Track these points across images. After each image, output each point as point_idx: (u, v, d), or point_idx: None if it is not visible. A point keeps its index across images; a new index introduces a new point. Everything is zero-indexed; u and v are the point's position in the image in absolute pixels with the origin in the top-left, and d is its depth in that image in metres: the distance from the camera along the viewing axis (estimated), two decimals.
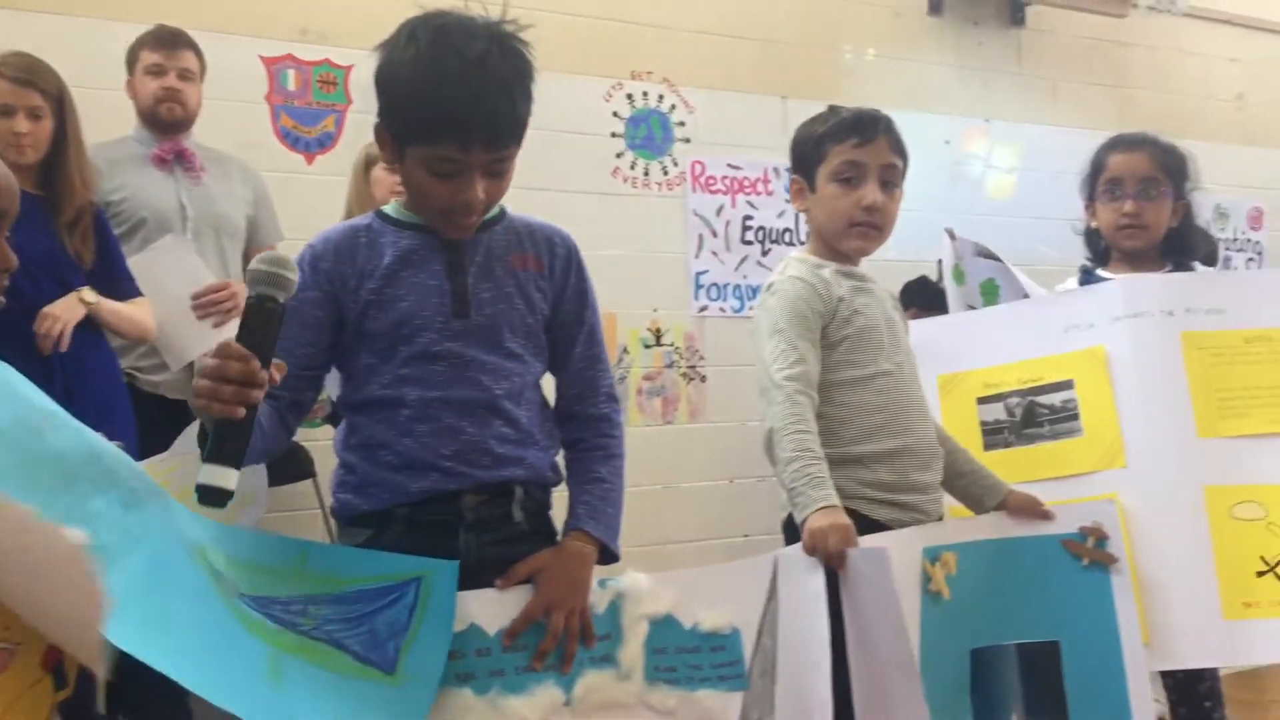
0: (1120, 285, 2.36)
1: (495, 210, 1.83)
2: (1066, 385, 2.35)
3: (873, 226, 2.11)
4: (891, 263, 5.54)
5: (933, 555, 1.93)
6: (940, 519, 2.12)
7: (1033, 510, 2.09)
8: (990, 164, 6.25)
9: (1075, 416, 2.33)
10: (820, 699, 1.70)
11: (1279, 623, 2.15)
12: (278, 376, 1.47)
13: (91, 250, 3.09)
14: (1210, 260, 2.68)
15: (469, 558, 1.73)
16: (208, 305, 3.44)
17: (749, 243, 5.54)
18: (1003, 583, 2.01)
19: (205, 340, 3.47)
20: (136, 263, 3.39)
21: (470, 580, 1.72)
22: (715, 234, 5.46)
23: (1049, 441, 2.35)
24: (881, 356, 2.08)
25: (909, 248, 5.90)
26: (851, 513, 1.96)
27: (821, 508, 1.84)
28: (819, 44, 5.77)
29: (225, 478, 1.39)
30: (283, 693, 1.41)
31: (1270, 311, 2.33)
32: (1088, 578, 2.05)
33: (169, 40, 3.62)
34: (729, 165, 5.44)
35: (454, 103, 1.62)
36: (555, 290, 1.86)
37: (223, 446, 1.40)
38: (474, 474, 1.73)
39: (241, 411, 1.40)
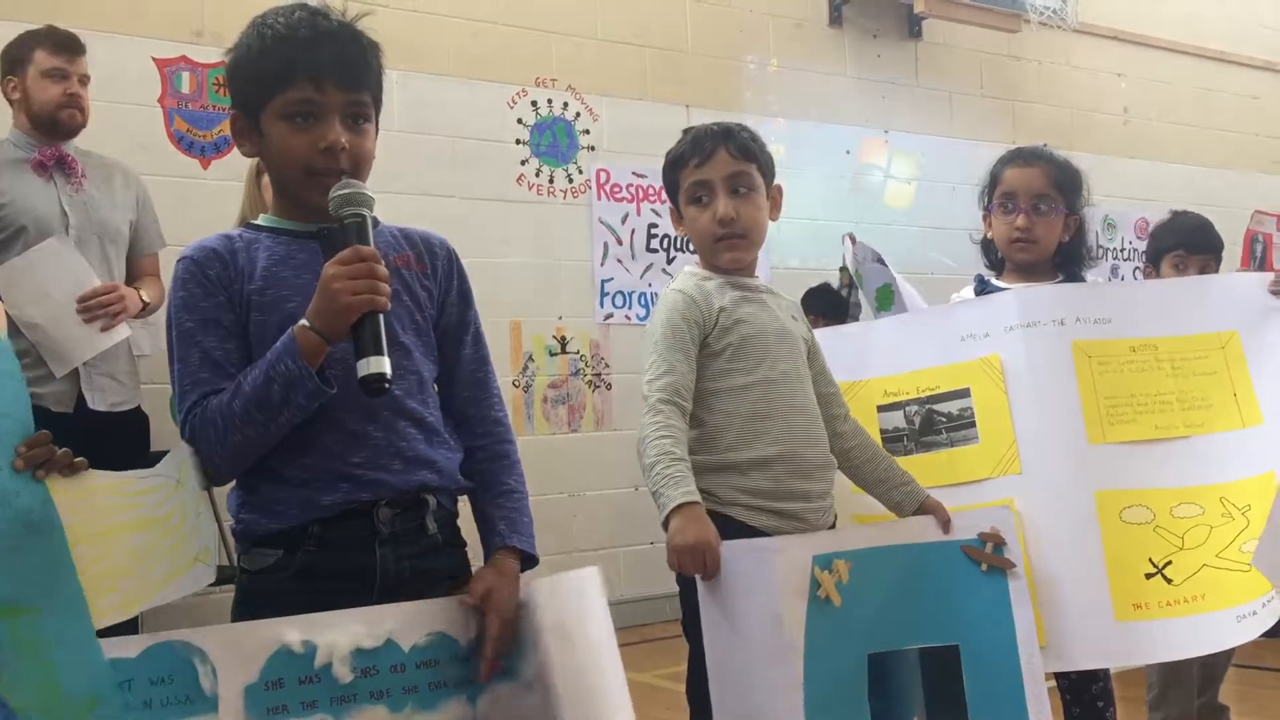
0: (1014, 296, 2.40)
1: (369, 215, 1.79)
2: (963, 394, 2.38)
3: (735, 236, 2.13)
4: (795, 270, 5.63)
5: (824, 563, 1.95)
6: (831, 528, 2.14)
7: (943, 518, 2.13)
8: (889, 174, 6.37)
9: (972, 424, 2.36)
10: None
11: (1167, 622, 2.21)
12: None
13: None
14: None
15: (387, 573, 1.70)
16: (95, 308, 3.34)
17: (654, 251, 5.56)
18: (903, 588, 2.04)
19: (93, 344, 3.36)
20: (17, 265, 3.27)
21: (388, 596, 1.69)
22: (620, 242, 5.48)
23: (946, 449, 2.38)
24: (765, 365, 2.09)
25: (811, 256, 6.01)
26: (728, 519, 1.98)
27: (679, 505, 1.87)
28: (722, 54, 5.82)
29: (382, 364, 1.55)
30: None
31: (1154, 322, 2.39)
32: (986, 583, 2.09)
33: (70, 44, 3.49)
34: (634, 173, 5.46)
35: (305, 43, 1.67)
36: (440, 292, 1.84)
37: (368, 337, 1.56)
38: (386, 480, 1.70)
39: (384, 300, 1.57)
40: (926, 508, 2.15)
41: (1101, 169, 6.90)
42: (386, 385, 1.56)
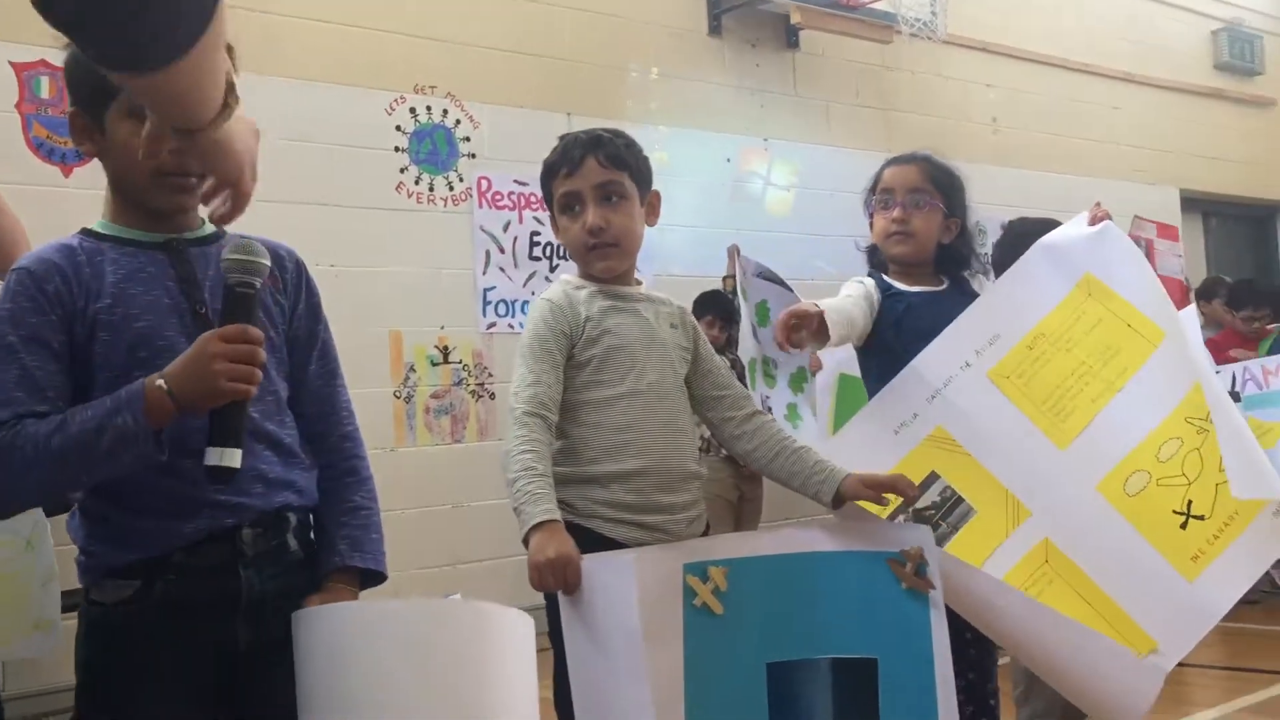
0: (910, 371, 2.37)
1: (212, 230, 1.72)
2: (933, 479, 2.35)
3: (606, 245, 2.11)
4: (678, 278, 5.64)
5: (698, 571, 1.93)
6: (704, 535, 2.12)
7: (866, 493, 2.08)
8: (769, 181, 6.44)
9: (960, 500, 2.34)
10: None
11: (1225, 554, 2.26)
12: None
13: None
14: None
15: (252, 593, 1.64)
16: None
17: (537, 259, 5.53)
18: (808, 597, 2.01)
19: None
20: None
21: (254, 615, 1.63)
22: (503, 250, 5.43)
23: (954, 534, 2.34)
24: (631, 376, 2.07)
25: (693, 264, 6.04)
26: (587, 531, 1.97)
27: (536, 524, 1.86)
28: (603, 62, 5.82)
29: (233, 457, 1.51)
30: None
31: (1026, 311, 2.44)
32: (909, 598, 2.06)
33: None
34: (515, 181, 5.43)
35: None
36: (290, 305, 1.78)
37: (230, 427, 1.52)
38: (248, 503, 1.64)
39: (255, 390, 1.52)
40: (846, 488, 2.09)
41: (972, 177, 7.10)
42: (232, 479, 1.53)
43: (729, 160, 6.27)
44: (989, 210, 7.07)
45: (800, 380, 4.92)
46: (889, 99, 6.97)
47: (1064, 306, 2.41)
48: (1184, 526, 2.28)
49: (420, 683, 1.52)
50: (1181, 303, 4.58)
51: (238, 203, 1.50)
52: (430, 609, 1.73)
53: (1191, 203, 8.69)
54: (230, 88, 1.27)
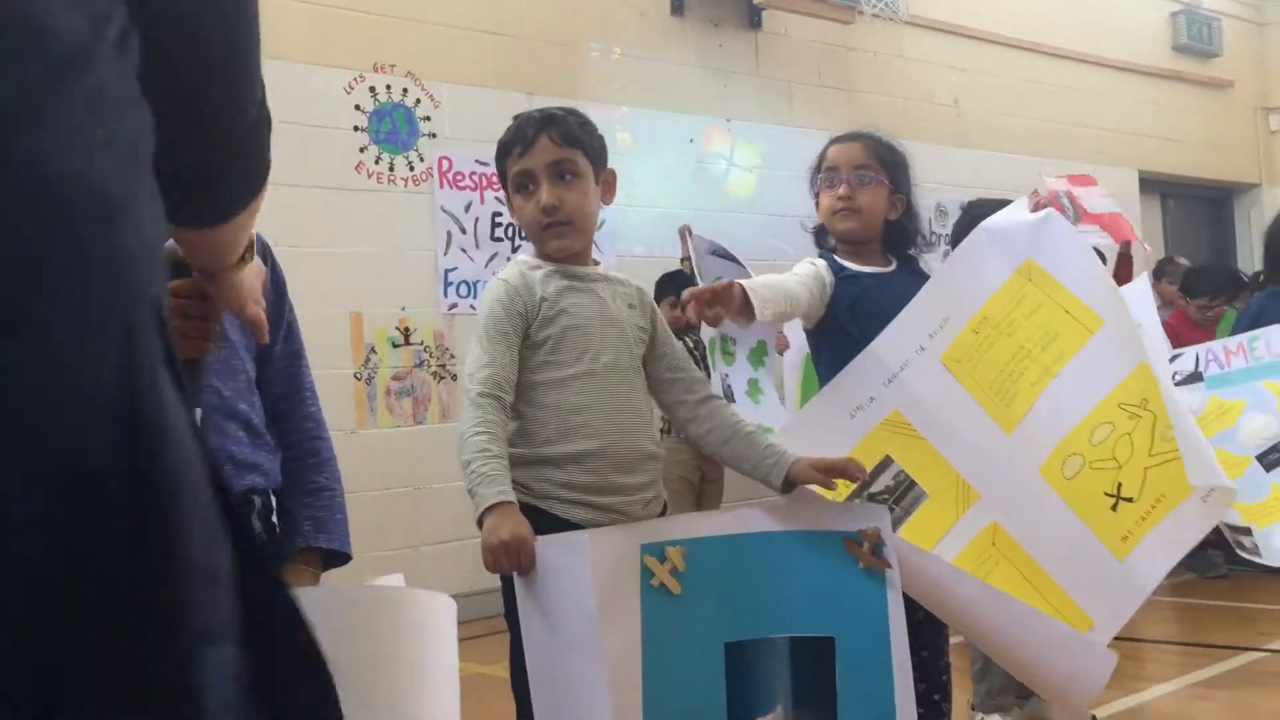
0: (869, 352, 2.37)
1: None
2: (887, 463, 2.37)
3: (560, 224, 2.10)
4: (640, 258, 5.64)
5: (655, 551, 1.93)
6: (661, 516, 2.12)
7: (816, 476, 2.08)
8: (732, 162, 6.44)
9: (913, 484, 2.37)
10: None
11: (1151, 535, 2.32)
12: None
13: None
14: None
15: None
16: None
17: (499, 239, 5.50)
18: (766, 576, 2.02)
19: None
20: None
21: None
22: (464, 230, 5.40)
23: (908, 518, 2.36)
24: (587, 357, 2.06)
25: (656, 244, 6.03)
26: (542, 513, 1.96)
27: (490, 506, 1.85)
28: (565, 41, 5.79)
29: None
30: None
31: (971, 295, 2.45)
32: (866, 577, 2.08)
33: None
34: (477, 161, 5.39)
35: None
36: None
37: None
38: None
39: (209, 345, 1.41)
40: (796, 472, 2.09)
41: (934, 157, 7.14)
42: None
43: (692, 141, 6.26)
44: (950, 191, 7.13)
45: (760, 355, 4.93)
46: (851, 80, 6.98)
47: (1005, 291, 2.43)
48: (1115, 508, 2.35)
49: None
50: (1130, 234, 4.64)
51: (255, 328, 1.47)
52: (338, 595, 1.71)
53: (1150, 184, 8.78)
54: (250, 244, 1.31)
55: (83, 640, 0.55)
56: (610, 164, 2.20)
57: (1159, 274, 6.54)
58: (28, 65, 0.57)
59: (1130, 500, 2.34)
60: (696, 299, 2.17)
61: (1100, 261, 2.60)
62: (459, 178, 5.40)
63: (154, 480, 0.59)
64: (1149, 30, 8.83)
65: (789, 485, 2.11)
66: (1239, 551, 3.41)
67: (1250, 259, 8.49)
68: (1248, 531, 3.40)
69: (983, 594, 2.20)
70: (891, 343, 2.38)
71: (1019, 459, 2.35)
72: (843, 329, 2.51)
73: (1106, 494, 2.35)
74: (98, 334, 0.58)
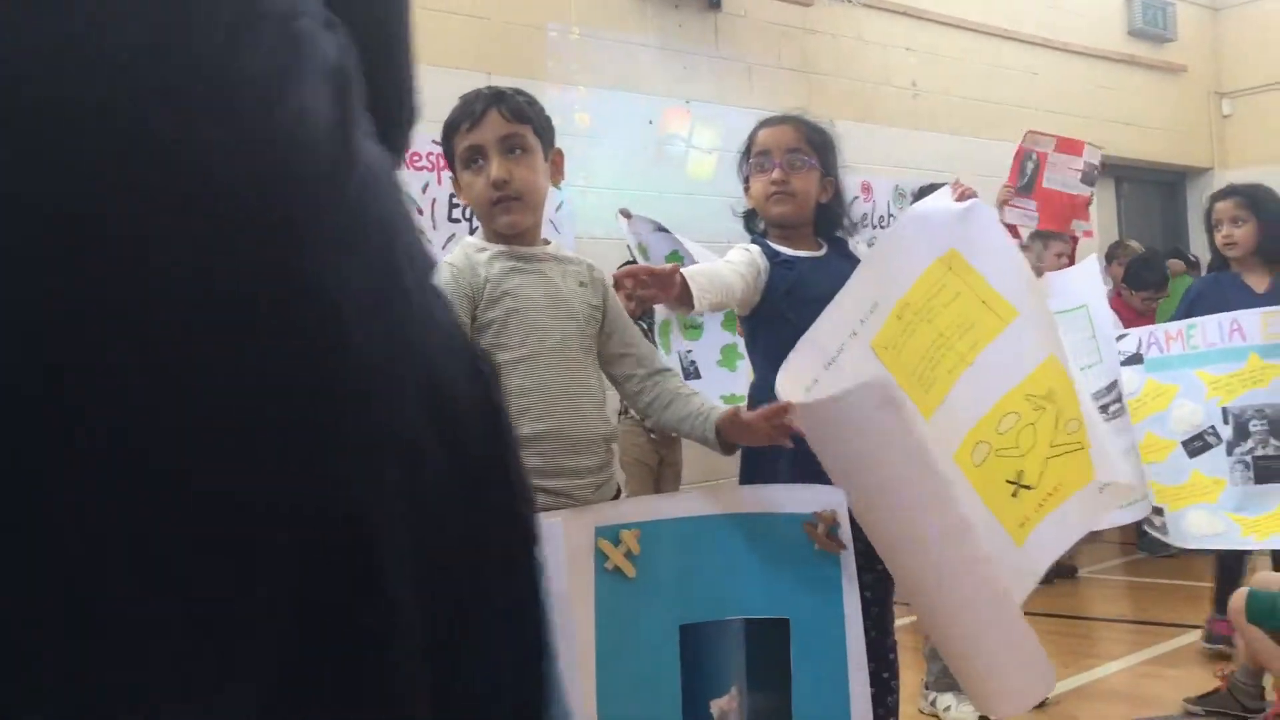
0: (809, 337, 2.36)
1: None
2: None
3: (510, 198, 2.08)
4: (599, 240, 5.61)
5: (609, 534, 1.93)
6: (614, 499, 2.12)
7: (740, 422, 2.09)
8: (691, 144, 6.42)
9: None
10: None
11: (1046, 521, 2.38)
12: None
13: None
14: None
15: None
16: None
17: (456, 220, 5.46)
18: (720, 559, 2.03)
19: None
20: None
21: None
22: (421, 212, 5.36)
23: None
24: (534, 338, 2.04)
25: (615, 227, 5.99)
26: None
27: None
28: (524, 21, 5.75)
29: None
30: None
31: (896, 280, 2.46)
32: (821, 559, 2.10)
33: None
34: (434, 142, 5.29)
35: None
36: None
37: None
38: None
39: None
40: (722, 423, 2.10)
41: (891, 139, 7.17)
42: None
43: (650, 122, 6.24)
44: (908, 175, 7.16)
45: (734, 319, 4.93)
46: (810, 62, 6.98)
47: (926, 277, 2.45)
48: (1015, 495, 2.40)
49: None
50: (1083, 214, 4.68)
51: None
52: None
53: (1104, 167, 8.85)
54: None
55: None
56: (569, 145, 2.19)
57: (1110, 257, 6.62)
58: (279, 46, 0.67)
59: (1029, 488, 2.40)
60: (633, 277, 2.13)
61: (1020, 254, 2.63)
62: (415, 158, 5.35)
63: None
64: (1104, 14, 8.89)
65: (727, 445, 2.14)
66: (1146, 528, 3.51)
67: (1202, 243, 8.59)
68: (1160, 512, 3.50)
69: (950, 585, 2.22)
70: (828, 326, 2.40)
71: (938, 446, 2.39)
72: (781, 315, 2.50)
73: (1008, 481, 2.40)
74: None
